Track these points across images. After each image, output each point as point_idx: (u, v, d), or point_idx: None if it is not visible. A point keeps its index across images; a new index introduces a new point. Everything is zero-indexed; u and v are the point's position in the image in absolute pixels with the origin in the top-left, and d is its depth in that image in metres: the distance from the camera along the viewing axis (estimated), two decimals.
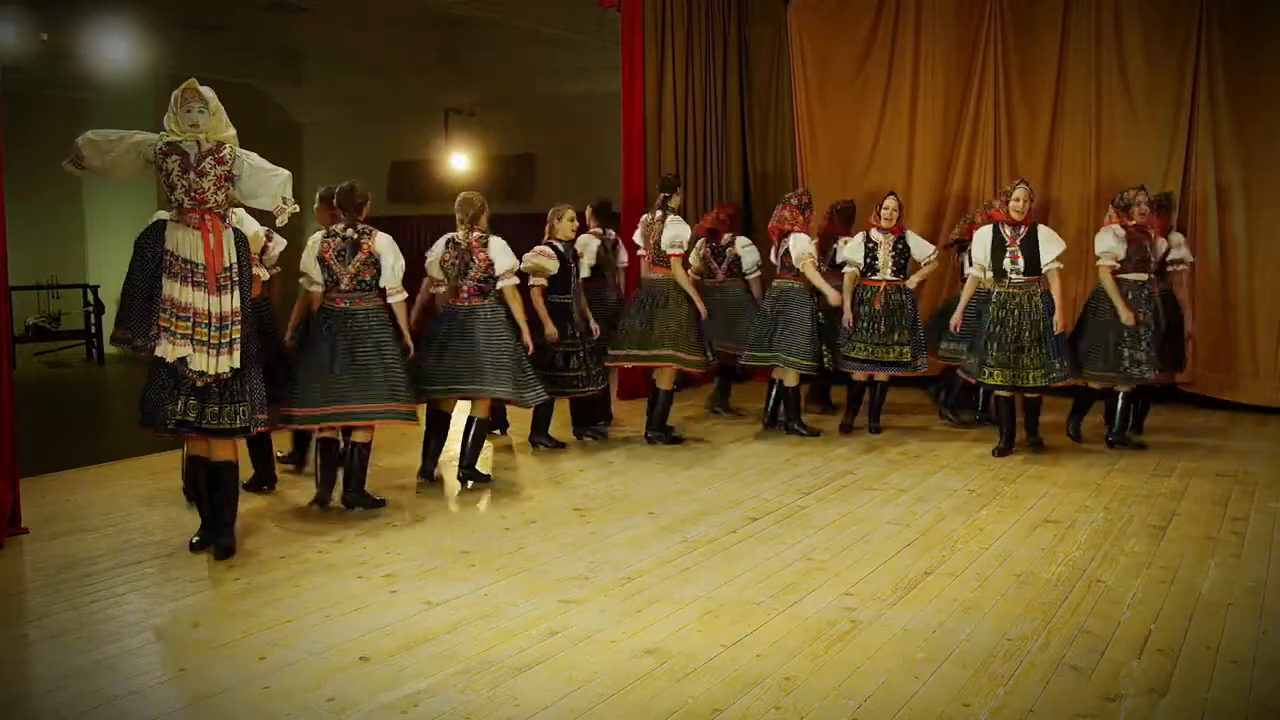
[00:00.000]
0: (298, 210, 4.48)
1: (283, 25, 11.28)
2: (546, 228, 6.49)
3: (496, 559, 4.44)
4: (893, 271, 6.88)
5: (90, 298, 12.90)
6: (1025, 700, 3.05)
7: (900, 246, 6.89)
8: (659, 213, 6.77)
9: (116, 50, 10.61)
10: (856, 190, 8.79)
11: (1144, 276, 6.42)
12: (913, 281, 6.96)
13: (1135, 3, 8.08)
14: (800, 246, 6.82)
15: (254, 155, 4.42)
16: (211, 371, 4.22)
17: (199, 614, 3.81)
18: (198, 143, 4.27)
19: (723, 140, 9.70)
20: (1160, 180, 7.99)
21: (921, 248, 7.00)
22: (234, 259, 4.30)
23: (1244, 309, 7.81)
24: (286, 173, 4.47)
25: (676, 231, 6.65)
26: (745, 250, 7.67)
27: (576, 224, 6.52)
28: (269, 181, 4.42)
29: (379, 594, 3.99)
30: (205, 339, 4.21)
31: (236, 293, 4.30)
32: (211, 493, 4.51)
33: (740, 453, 6.57)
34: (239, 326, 4.29)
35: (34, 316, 12.72)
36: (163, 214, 4.39)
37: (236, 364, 4.28)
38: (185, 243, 4.21)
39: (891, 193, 7.08)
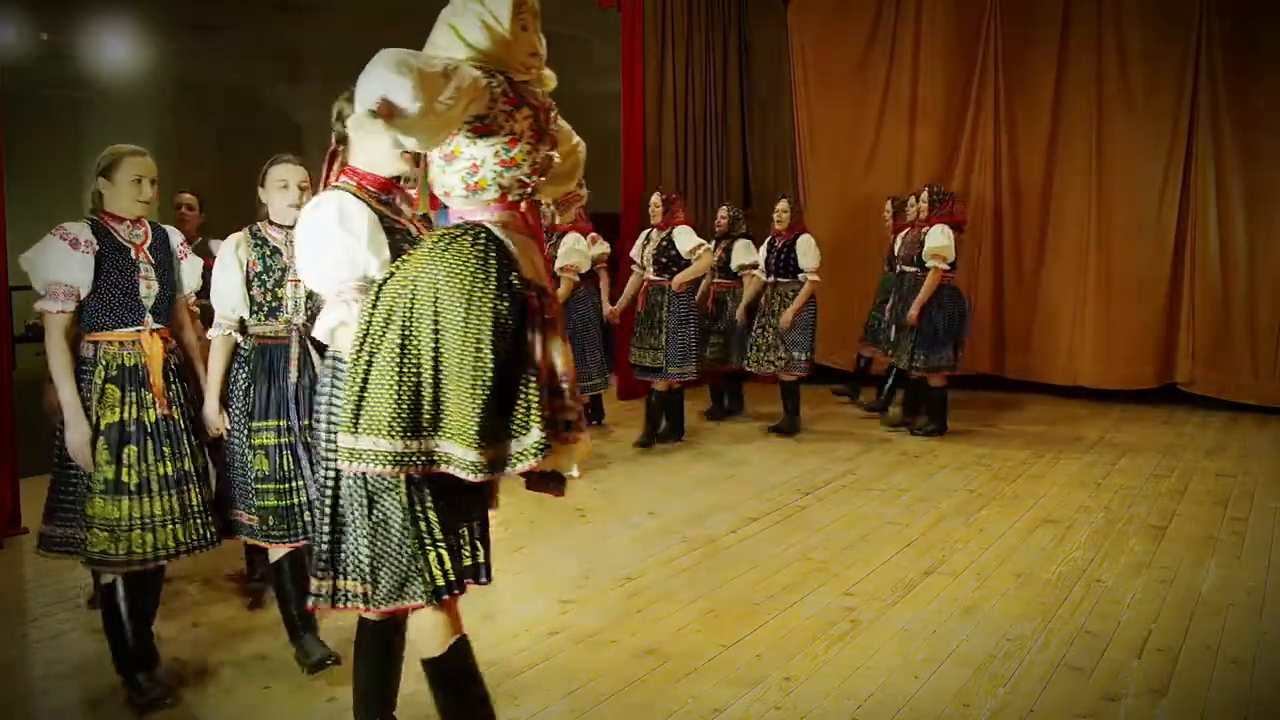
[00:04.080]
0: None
1: (283, 25, 11.29)
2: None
3: (496, 559, 4.42)
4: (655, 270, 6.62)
5: None
6: (1025, 700, 3.05)
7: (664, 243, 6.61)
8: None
9: (116, 50, 10.63)
10: (856, 190, 8.82)
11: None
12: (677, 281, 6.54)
13: (1135, 2, 8.08)
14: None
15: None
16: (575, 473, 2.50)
17: (199, 614, 3.81)
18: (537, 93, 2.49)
19: (723, 140, 9.71)
20: (1160, 178, 8.00)
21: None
22: None
23: (1244, 309, 7.82)
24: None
25: None
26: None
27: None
28: (580, 156, 2.74)
29: None
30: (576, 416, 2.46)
31: None
32: None
33: (740, 453, 6.57)
34: None
35: (34, 316, 12.70)
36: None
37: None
38: (534, 263, 2.38)
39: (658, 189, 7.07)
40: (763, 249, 7.09)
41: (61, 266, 3.05)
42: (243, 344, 3.28)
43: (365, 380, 2.23)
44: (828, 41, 9.39)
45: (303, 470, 3.19)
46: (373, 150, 2.51)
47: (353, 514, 2.36)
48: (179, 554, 3.09)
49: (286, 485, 3.19)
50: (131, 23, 10.33)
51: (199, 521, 3.13)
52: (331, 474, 2.41)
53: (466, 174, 2.34)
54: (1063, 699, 3.06)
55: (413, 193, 2.61)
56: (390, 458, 2.20)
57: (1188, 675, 3.22)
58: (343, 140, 2.55)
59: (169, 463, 3.06)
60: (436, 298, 2.21)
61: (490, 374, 2.18)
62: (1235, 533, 4.73)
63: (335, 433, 2.34)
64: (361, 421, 2.22)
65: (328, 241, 2.40)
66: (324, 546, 2.42)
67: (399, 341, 2.22)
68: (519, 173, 2.36)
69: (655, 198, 6.73)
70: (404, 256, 2.32)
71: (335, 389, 2.46)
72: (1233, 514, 5.05)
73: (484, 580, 2.49)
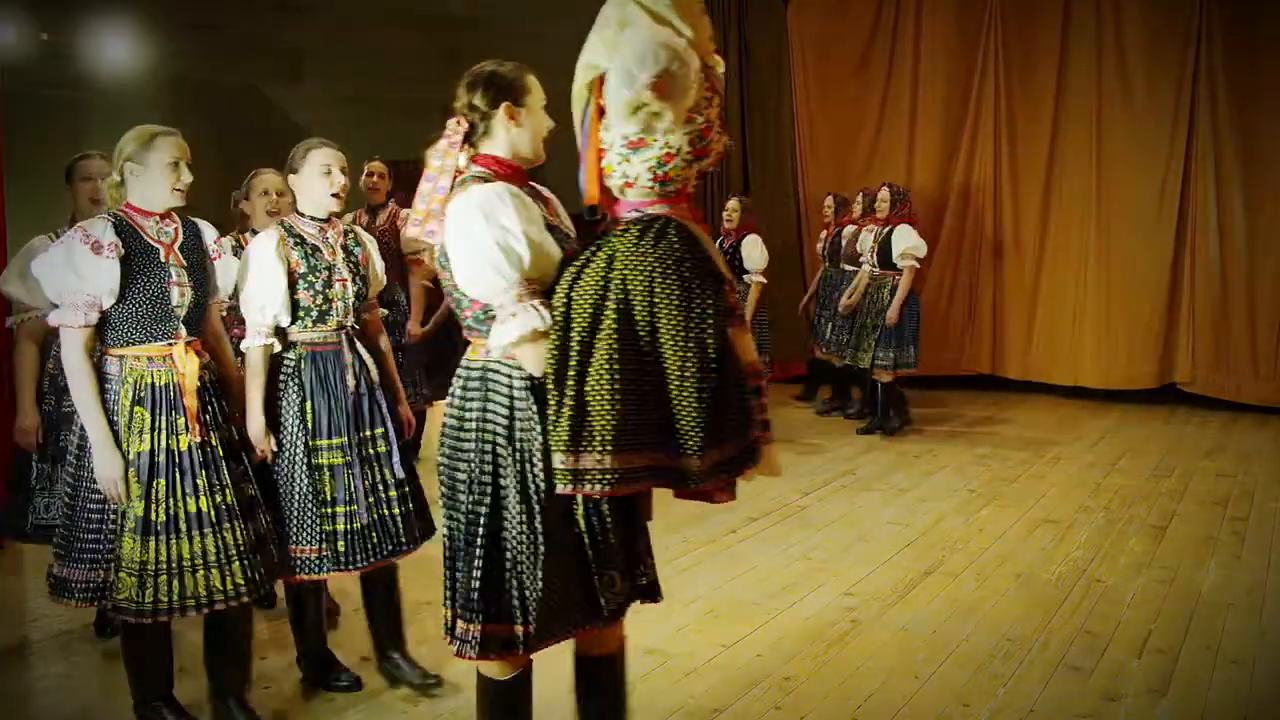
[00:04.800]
0: None
1: (283, 25, 11.29)
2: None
3: None
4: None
5: None
6: (1025, 700, 3.05)
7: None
8: None
9: (116, 50, 10.63)
10: (856, 190, 8.80)
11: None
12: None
13: (1136, 4, 8.08)
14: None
15: None
16: None
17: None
18: None
19: None
20: (1160, 178, 7.99)
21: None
22: None
23: (1244, 309, 7.81)
24: None
25: None
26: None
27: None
28: None
29: None
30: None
31: None
32: None
33: None
34: None
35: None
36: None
37: None
38: (716, 255, 2.25)
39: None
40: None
41: (83, 273, 2.59)
42: (287, 354, 2.98)
43: (579, 392, 1.98)
44: (828, 41, 9.38)
45: (357, 488, 2.96)
46: (518, 135, 2.28)
47: (514, 546, 2.11)
48: (215, 605, 2.67)
49: (355, 507, 2.96)
50: (131, 23, 10.33)
51: (243, 564, 2.70)
52: (483, 502, 2.12)
53: (657, 163, 2.14)
54: (1063, 699, 3.06)
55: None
56: (617, 476, 1.98)
57: (1188, 675, 3.22)
58: (474, 127, 2.30)
59: (203, 497, 2.66)
60: (652, 296, 2.02)
61: (714, 374, 2.00)
62: (1235, 533, 4.73)
63: (490, 451, 2.12)
64: (583, 440, 1.97)
65: (510, 239, 2.08)
66: (460, 581, 2.17)
67: (614, 346, 1.99)
68: (706, 162, 2.20)
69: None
70: (593, 251, 2.09)
71: (490, 401, 2.15)
72: (1233, 514, 5.05)
73: (658, 599, 2.33)
